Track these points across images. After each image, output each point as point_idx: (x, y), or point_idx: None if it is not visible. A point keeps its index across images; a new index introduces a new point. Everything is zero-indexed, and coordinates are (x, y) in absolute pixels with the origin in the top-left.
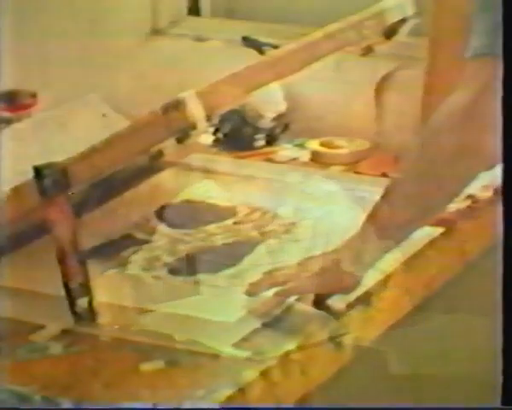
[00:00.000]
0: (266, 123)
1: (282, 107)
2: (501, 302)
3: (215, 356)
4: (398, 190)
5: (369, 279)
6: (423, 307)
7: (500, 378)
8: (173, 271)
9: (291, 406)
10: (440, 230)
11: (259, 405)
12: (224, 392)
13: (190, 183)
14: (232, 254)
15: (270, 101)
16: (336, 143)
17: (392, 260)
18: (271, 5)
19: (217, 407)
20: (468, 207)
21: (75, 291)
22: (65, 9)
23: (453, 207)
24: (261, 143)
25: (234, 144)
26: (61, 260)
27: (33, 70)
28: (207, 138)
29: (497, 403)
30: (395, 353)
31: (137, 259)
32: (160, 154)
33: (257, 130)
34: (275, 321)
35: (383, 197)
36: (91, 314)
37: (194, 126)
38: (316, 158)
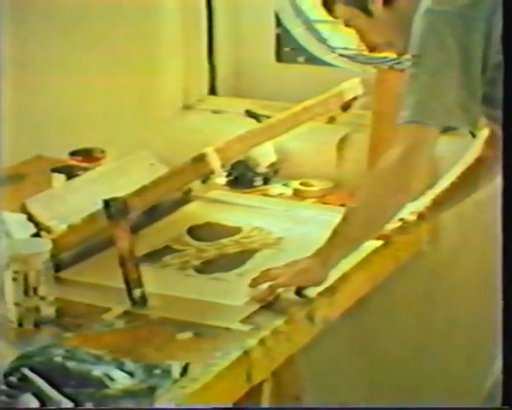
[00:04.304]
0: (262, 169)
1: (274, 158)
2: (501, 302)
3: (227, 329)
4: (353, 215)
5: (333, 276)
6: (369, 296)
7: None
8: (199, 270)
9: (292, 405)
10: (381, 242)
11: (258, 364)
12: (235, 354)
13: (211, 211)
14: (239, 259)
15: (265, 154)
16: (311, 183)
17: (348, 263)
18: (265, 88)
19: (211, 407)
20: (400, 226)
21: (132, 284)
22: (122, 94)
23: (390, 226)
24: (259, 183)
25: (240, 184)
26: (122, 264)
27: (103, 133)
28: (222, 180)
29: (497, 403)
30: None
31: (174, 262)
32: (190, 190)
33: (256, 174)
34: (269, 305)
35: (342, 220)
36: (143, 300)
37: (213, 172)
38: (297, 193)
